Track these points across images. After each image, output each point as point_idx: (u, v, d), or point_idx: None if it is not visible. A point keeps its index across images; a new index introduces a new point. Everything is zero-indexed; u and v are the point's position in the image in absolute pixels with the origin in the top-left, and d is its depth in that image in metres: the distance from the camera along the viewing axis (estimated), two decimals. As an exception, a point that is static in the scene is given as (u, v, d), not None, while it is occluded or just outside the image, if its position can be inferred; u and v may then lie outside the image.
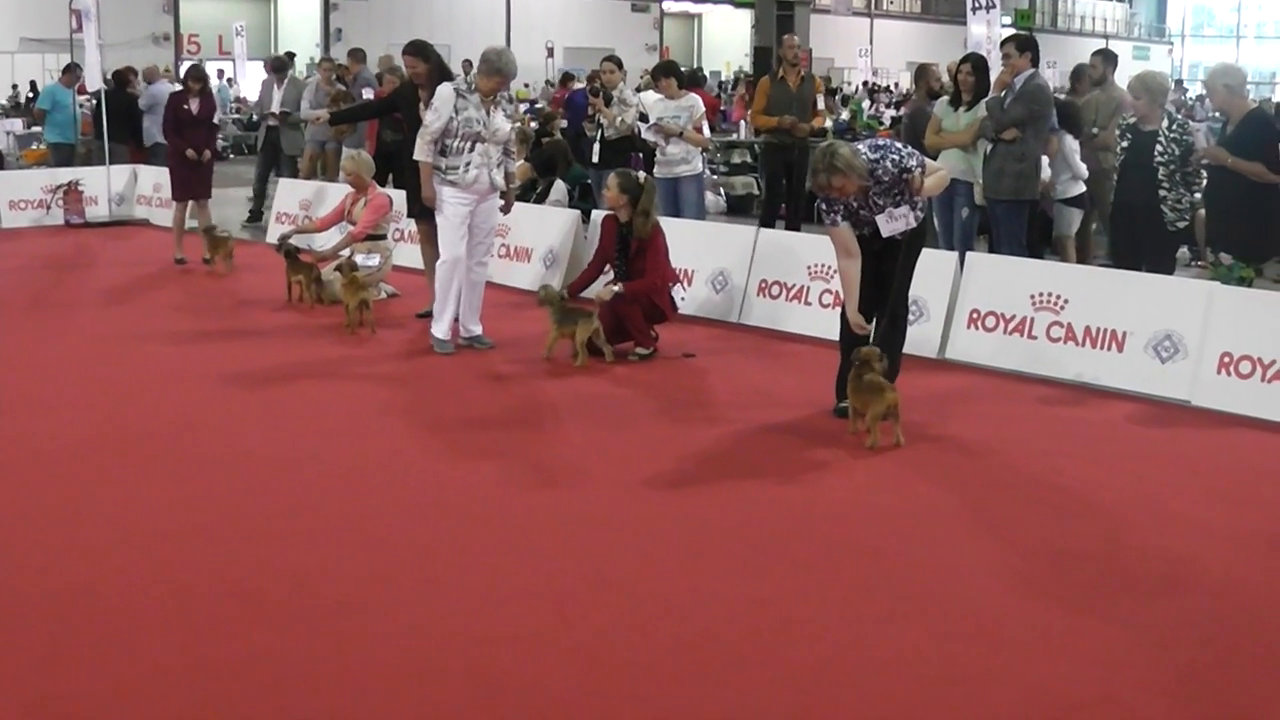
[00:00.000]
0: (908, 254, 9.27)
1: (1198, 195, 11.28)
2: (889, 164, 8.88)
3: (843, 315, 9.37)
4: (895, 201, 8.97)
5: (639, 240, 11.25)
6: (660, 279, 11.23)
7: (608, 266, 11.53)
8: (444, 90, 11.25)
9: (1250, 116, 10.94)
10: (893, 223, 9.02)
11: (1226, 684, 5.39)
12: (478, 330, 11.64)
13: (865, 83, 47.73)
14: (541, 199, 16.45)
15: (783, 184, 16.43)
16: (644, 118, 15.02)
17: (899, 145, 9.31)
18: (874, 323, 9.25)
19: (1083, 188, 13.59)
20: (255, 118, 26.96)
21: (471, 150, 11.15)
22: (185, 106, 16.30)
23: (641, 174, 11.88)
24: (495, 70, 11.22)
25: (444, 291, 11.37)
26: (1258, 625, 5.99)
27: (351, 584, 6.30)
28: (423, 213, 12.50)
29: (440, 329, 11.43)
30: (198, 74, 16.82)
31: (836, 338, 9.51)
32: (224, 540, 6.86)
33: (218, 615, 5.91)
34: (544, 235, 14.36)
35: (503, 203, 11.64)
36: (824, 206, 9.07)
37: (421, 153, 11.32)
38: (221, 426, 9.05)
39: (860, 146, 9.05)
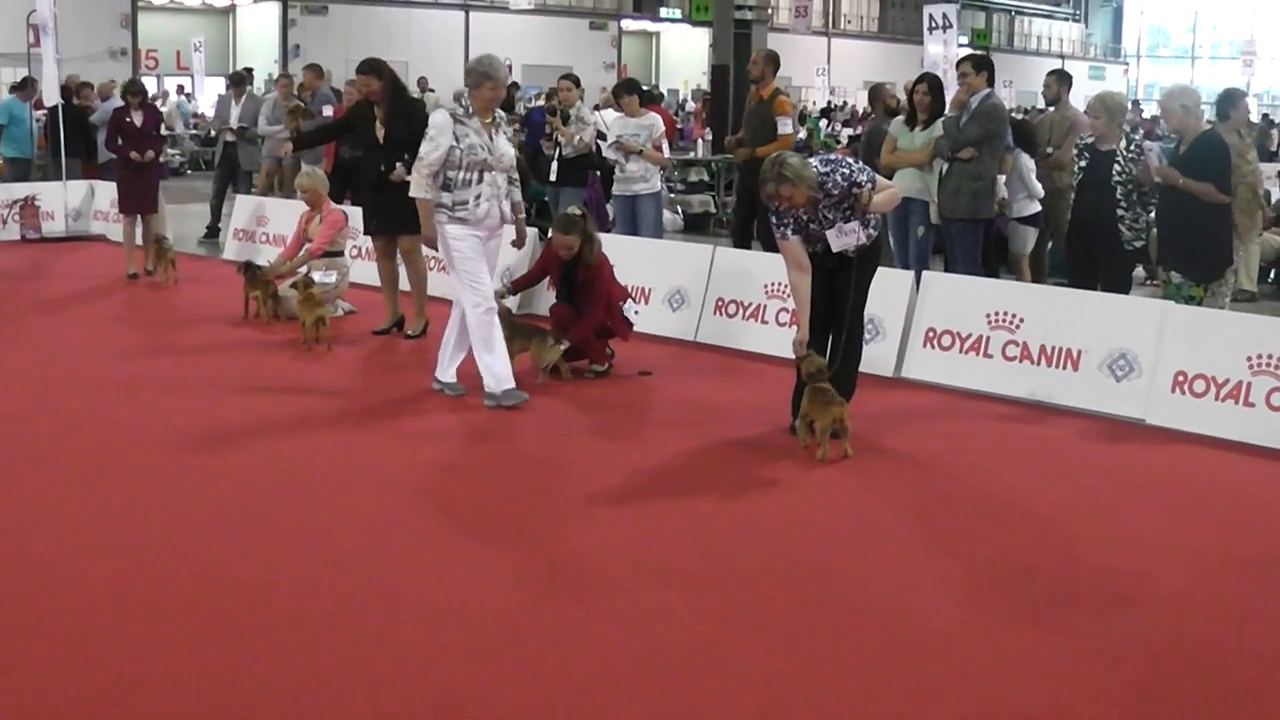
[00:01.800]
0: (862, 272, 9.27)
1: (1153, 214, 11.36)
2: (839, 178, 8.89)
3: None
4: (845, 216, 8.97)
5: (585, 268, 11.12)
6: (603, 311, 11.09)
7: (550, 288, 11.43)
8: (439, 118, 10.12)
9: (1203, 138, 11.01)
10: (843, 238, 9.02)
11: (1179, 698, 5.43)
12: (453, 376, 10.44)
13: (829, 103, 47.86)
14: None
15: (753, 204, 16.32)
16: (603, 136, 15.04)
17: (850, 161, 9.34)
18: (828, 340, 9.27)
19: (1038, 207, 13.66)
20: (213, 133, 26.87)
21: (480, 181, 10.06)
22: (128, 120, 16.32)
23: (572, 208, 11.73)
24: (485, 76, 10.05)
25: (489, 339, 10.07)
26: (1209, 639, 6.03)
27: (303, 596, 6.29)
28: (379, 229, 12.51)
29: (499, 372, 10.07)
30: (136, 87, 16.99)
31: (792, 356, 9.53)
32: (175, 553, 6.84)
33: (170, 628, 5.88)
34: (501, 254, 14.33)
35: (514, 236, 10.73)
36: (774, 220, 9.09)
37: (420, 188, 10.07)
38: (174, 440, 9.00)
39: (812, 160, 9.08)
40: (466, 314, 10.12)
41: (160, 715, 5.10)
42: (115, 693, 5.26)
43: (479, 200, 10.05)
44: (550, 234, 11.59)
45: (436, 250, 10.30)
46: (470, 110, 10.10)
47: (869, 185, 8.93)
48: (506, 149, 10.36)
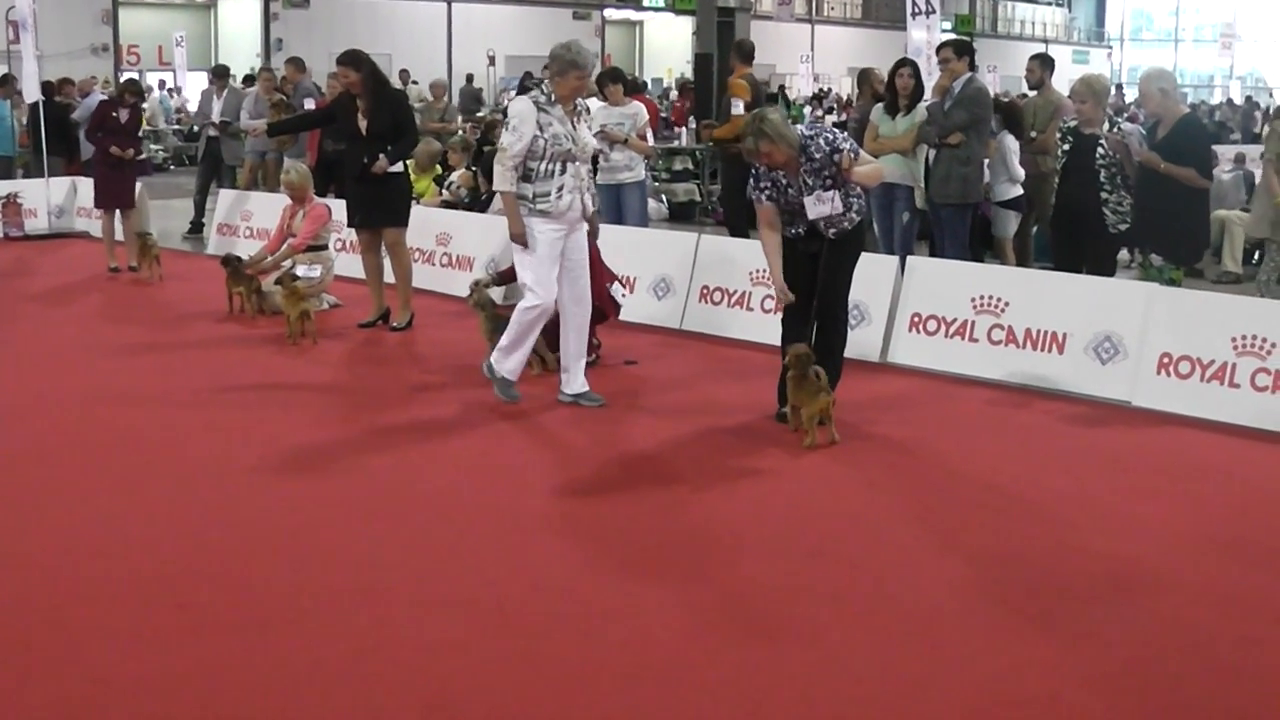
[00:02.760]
0: (845, 257, 9.27)
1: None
2: (822, 142, 8.95)
3: (784, 321, 9.40)
4: (824, 184, 8.96)
5: None
6: (598, 286, 11.16)
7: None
8: (522, 106, 9.64)
9: (1184, 121, 11.02)
10: (819, 205, 8.98)
11: (1168, 681, 5.43)
12: (584, 385, 10.05)
13: (820, 89, 47.83)
14: (484, 207, 16.40)
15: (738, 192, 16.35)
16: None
17: (836, 130, 9.39)
18: (812, 327, 9.28)
19: (1020, 190, 13.65)
20: (195, 128, 26.83)
21: (563, 173, 9.57)
22: (114, 115, 16.34)
23: None
24: (572, 65, 9.61)
25: (524, 335, 9.83)
26: (1199, 622, 6.03)
27: (293, 591, 6.28)
28: (363, 222, 12.49)
29: (511, 365, 9.89)
30: (136, 88, 16.97)
31: (778, 343, 9.52)
32: (163, 551, 6.82)
33: (158, 626, 5.87)
34: (486, 244, 14.30)
35: (590, 228, 10.12)
36: (753, 182, 9.16)
37: (504, 182, 9.56)
38: (161, 437, 8.99)
39: (798, 126, 9.13)
40: (519, 306, 9.81)
41: (150, 713, 5.08)
42: (105, 691, 5.25)
43: (562, 192, 9.58)
44: None
45: (525, 246, 9.64)
46: (553, 98, 9.63)
47: (851, 152, 8.96)
48: (589, 139, 9.99)
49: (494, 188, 9.80)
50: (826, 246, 9.15)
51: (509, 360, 9.83)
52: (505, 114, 9.55)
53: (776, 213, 9.13)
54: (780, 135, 8.76)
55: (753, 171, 9.20)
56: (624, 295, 11.67)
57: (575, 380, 9.98)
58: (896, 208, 13.20)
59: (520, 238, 9.58)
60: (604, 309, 11.15)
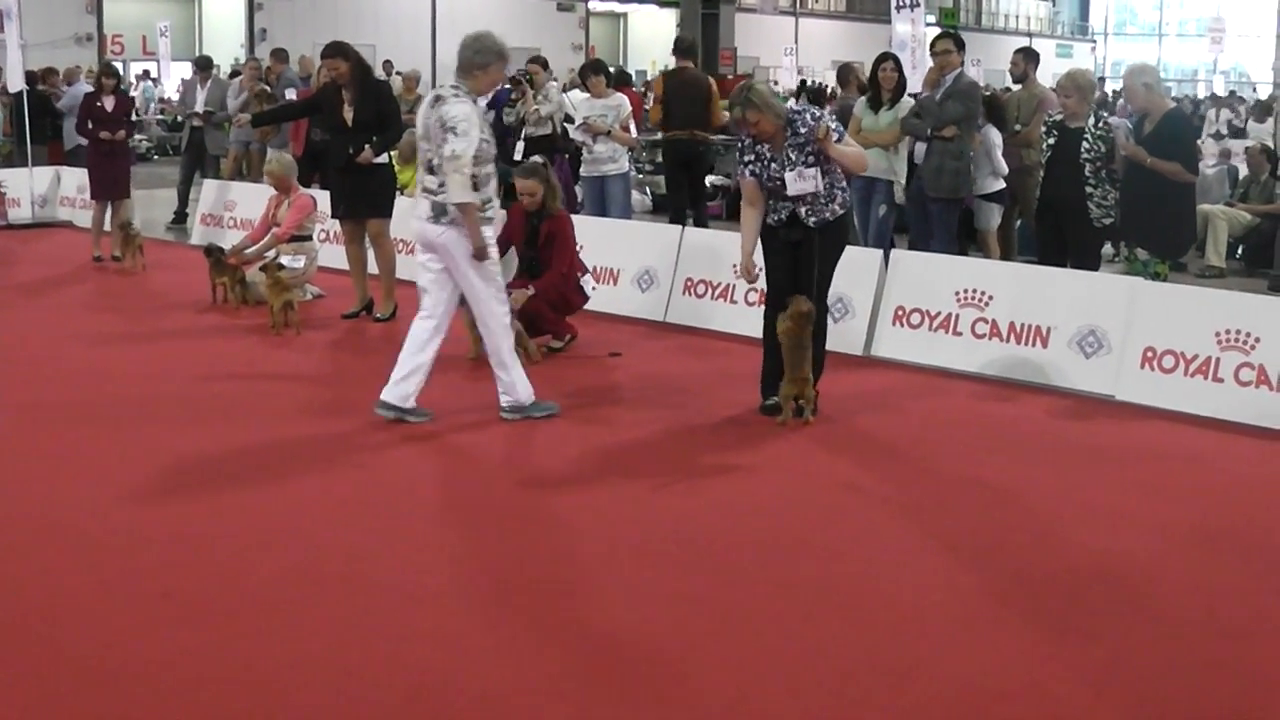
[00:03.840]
0: (827, 248, 9.29)
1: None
2: (809, 117, 9.06)
3: (766, 313, 9.44)
4: (807, 161, 9.03)
5: (550, 222, 11.18)
6: (569, 268, 11.19)
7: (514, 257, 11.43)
8: (465, 108, 8.72)
9: (1169, 115, 11.03)
10: (801, 182, 9.02)
11: (1150, 673, 5.44)
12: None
13: (813, 83, 47.78)
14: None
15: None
16: (570, 119, 15.05)
17: (824, 112, 9.51)
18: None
19: (1003, 184, 13.65)
20: (179, 118, 26.76)
21: (493, 175, 8.96)
22: (99, 104, 16.36)
23: (536, 157, 11.79)
24: (498, 55, 8.97)
25: (511, 354, 9.21)
26: (1181, 615, 6.04)
27: (274, 583, 6.27)
28: (347, 213, 12.47)
29: (522, 388, 9.20)
30: (110, 71, 17.03)
31: (761, 335, 9.53)
32: (145, 539, 6.81)
33: (140, 615, 5.86)
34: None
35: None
36: (739, 156, 9.33)
37: (465, 192, 8.61)
38: (144, 426, 8.97)
39: (789, 102, 9.24)
40: (492, 327, 9.07)
41: (131, 703, 5.07)
42: (86, 682, 5.23)
43: (493, 196, 8.97)
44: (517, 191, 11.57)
45: (487, 260, 8.90)
46: (474, 96, 8.94)
47: (835, 131, 9.08)
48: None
49: (452, 200, 8.63)
50: (808, 236, 9.18)
51: (519, 381, 9.19)
52: (442, 120, 8.70)
53: (759, 188, 9.20)
54: (767, 105, 8.89)
55: (738, 145, 9.35)
56: (593, 288, 11.68)
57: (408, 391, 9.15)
58: (874, 200, 13.24)
59: (483, 252, 8.82)
60: (569, 295, 11.17)
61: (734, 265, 12.01)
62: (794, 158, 9.03)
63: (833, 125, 9.09)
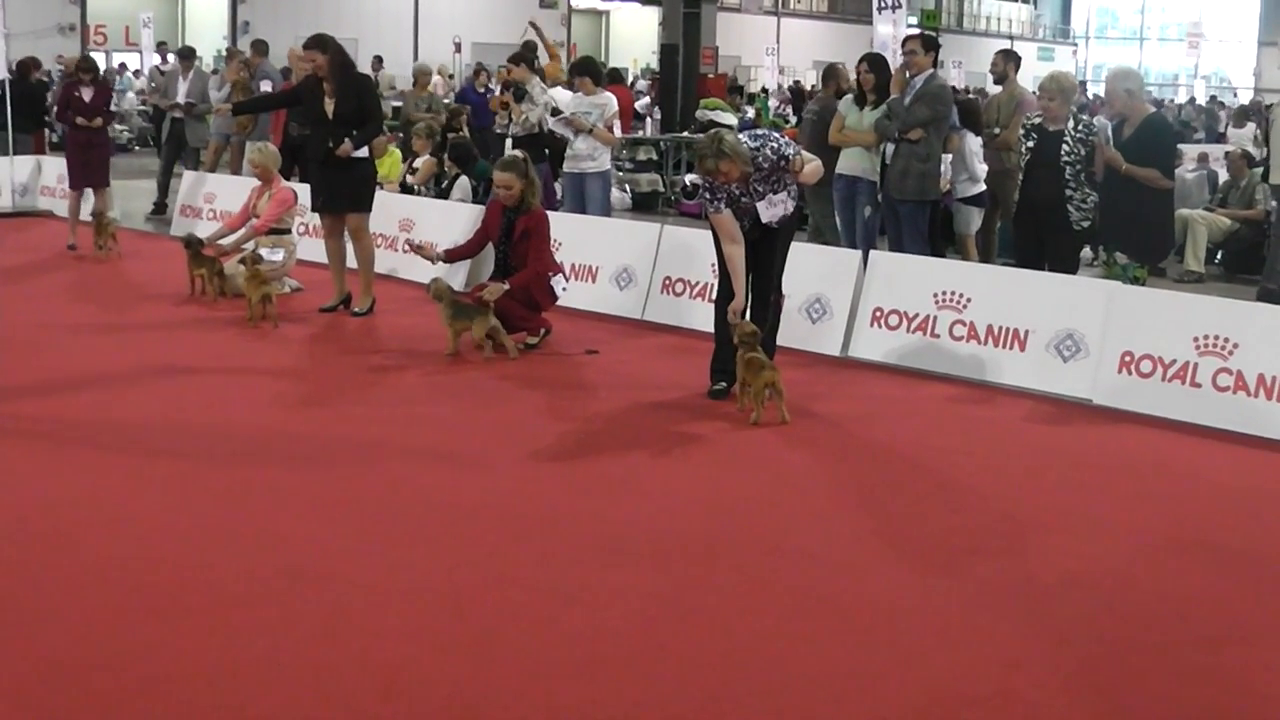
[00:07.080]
0: (783, 240, 9.74)
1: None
2: (769, 151, 9.35)
3: (718, 301, 9.77)
4: (774, 188, 9.43)
5: (526, 218, 11.21)
6: (543, 266, 11.18)
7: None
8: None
9: (1149, 121, 11.06)
10: (772, 209, 9.47)
11: (1123, 679, 5.43)
12: None
13: (796, 83, 47.79)
14: (446, 194, 16.35)
15: None
16: (557, 111, 15.03)
17: (776, 135, 9.74)
18: (748, 306, 9.59)
19: (981, 187, 13.66)
20: (158, 106, 26.64)
21: None
22: (77, 94, 16.41)
23: (516, 151, 11.81)
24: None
25: None
26: (1155, 621, 6.04)
27: (246, 577, 6.23)
28: (326, 206, 12.44)
29: None
30: (88, 64, 17.24)
31: (711, 330, 9.65)
32: (116, 532, 6.79)
33: (112, 609, 5.82)
34: (448, 231, 14.25)
35: None
36: (708, 196, 9.46)
37: None
38: (119, 418, 8.92)
39: (742, 136, 9.48)
40: None
41: (100, 696, 5.03)
42: (54, 674, 5.19)
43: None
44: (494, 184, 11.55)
45: None
46: None
47: (797, 156, 9.42)
48: None
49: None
50: (766, 233, 9.59)
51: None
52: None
53: (735, 221, 9.45)
54: (736, 153, 9.15)
55: (703, 185, 9.55)
56: (564, 289, 11.64)
57: None
58: (859, 201, 13.23)
59: None
60: (539, 295, 11.18)
61: (712, 264, 12.00)
62: (761, 190, 9.43)
63: (792, 152, 9.43)
